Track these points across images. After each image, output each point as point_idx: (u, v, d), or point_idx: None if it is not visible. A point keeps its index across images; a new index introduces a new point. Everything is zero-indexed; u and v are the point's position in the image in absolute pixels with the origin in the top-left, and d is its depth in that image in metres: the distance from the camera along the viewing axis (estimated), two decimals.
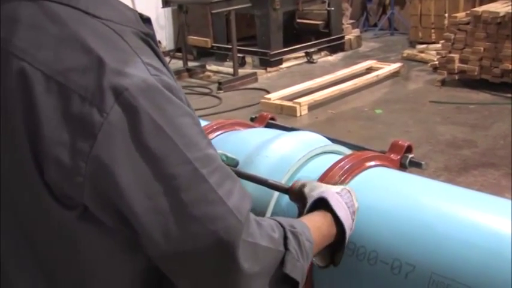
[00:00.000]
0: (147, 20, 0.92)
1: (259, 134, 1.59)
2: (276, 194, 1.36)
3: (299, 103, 5.76)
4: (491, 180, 4.19)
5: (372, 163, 1.38)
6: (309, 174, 1.38)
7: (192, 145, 0.81)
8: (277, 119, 1.86)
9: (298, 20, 8.30)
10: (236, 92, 6.70)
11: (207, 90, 6.79)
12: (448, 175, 4.25)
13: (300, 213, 1.29)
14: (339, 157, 1.43)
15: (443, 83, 6.46)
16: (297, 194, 1.25)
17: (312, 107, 5.90)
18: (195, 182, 0.80)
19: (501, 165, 4.44)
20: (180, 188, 0.80)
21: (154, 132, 0.79)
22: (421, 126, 5.28)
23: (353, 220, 1.15)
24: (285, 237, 0.93)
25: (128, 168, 0.79)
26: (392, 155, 1.45)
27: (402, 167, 1.46)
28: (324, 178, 1.32)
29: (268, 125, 1.77)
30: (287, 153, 1.43)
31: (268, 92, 6.39)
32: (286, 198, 1.33)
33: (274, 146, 1.45)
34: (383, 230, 1.21)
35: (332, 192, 1.14)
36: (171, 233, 0.80)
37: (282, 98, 6.02)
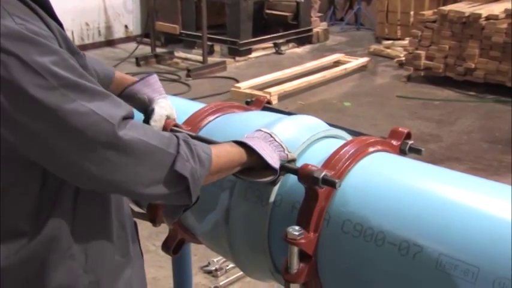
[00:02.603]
0: None
1: (260, 117, 1.59)
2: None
3: (269, 93, 5.79)
4: None
5: (376, 148, 1.41)
6: (313, 158, 1.40)
7: (57, 75, 0.97)
8: (272, 103, 1.87)
9: (267, 11, 8.31)
10: (205, 80, 6.67)
11: (175, 77, 6.74)
12: None
13: (308, 194, 1.31)
14: (341, 141, 1.45)
15: (409, 78, 6.61)
16: (306, 175, 1.27)
17: (282, 97, 5.94)
18: (65, 102, 0.97)
19: (465, 159, 4.59)
20: (52, 108, 0.96)
21: (22, 68, 0.94)
22: (388, 119, 5.39)
23: (279, 149, 1.33)
24: (178, 144, 1.11)
25: (6, 104, 0.94)
26: (393, 141, 1.49)
27: (402, 152, 1.49)
28: (330, 162, 1.34)
29: (265, 109, 1.78)
30: (291, 137, 1.44)
31: (237, 81, 6.40)
32: (291, 179, 1.34)
33: (277, 129, 1.45)
34: (390, 212, 1.23)
35: (247, 137, 1.33)
36: (59, 149, 0.99)
37: (251, 88, 6.04)
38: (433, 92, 6.23)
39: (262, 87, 6.09)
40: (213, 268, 3.03)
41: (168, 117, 1.53)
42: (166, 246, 1.69)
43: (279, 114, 1.65)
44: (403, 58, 6.84)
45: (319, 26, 8.68)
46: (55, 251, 1.09)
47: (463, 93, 6.16)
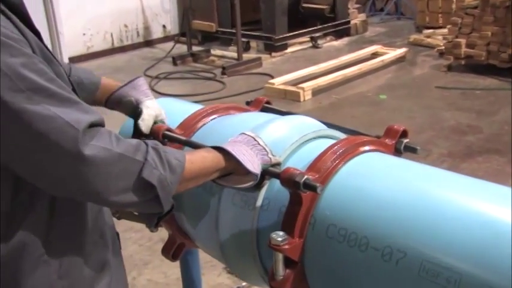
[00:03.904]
0: None
1: (253, 118, 1.56)
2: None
3: (303, 88, 5.72)
4: (496, 167, 4.15)
5: (366, 148, 1.36)
6: (302, 160, 1.36)
7: (24, 78, 0.97)
8: (272, 102, 1.83)
9: (304, 5, 8.20)
10: (240, 77, 6.66)
11: (211, 75, 6.75)
12: (451, 161, 4.21)
13: (292, 199, 1.27)
14: (333, 142, 1.40)
15: (450, 68, 6.40)
16: (288, 179, 1.23)
17: (316, 92, 5.86)
18: (29, 104, 0.97)
19: (506, 151, 4.39)
20: (16, 110, 0.96)
21: None
22: (425, 112, 5.23)
23: (263, 153, 1.29)
24: (146, 151, 1.09)
25: None
26: (387, 140, 1.42)
27: (397, 152, 1.43)
28: (317, 163, 1.29)
29: (264, 109, 1.74)
30: (280, 138, 1.40)
31: (272, 77, 6.35)
32: (278, 183, 1.30)
33: (267, 130, 1.42)
34: (374, 216, 1.18)
35: (229, 142, 1.30)
36: (25, 153, 0.99)
37: (286, 83, 5.98)
38: (474, 81, 6.01)
39: (297, 82, 6.02)
40: None
41: (156, 117, 1.52)
42: (166, 251, 1.68)
43: (274, 115, 1.61)
44: (443, 47, 6.62)
45: (357, 18, 8.51)
46: (27, 257, 1.10)
47: (507, 81, 5.91)
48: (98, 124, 1.06)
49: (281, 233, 1.24)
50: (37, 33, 1.12)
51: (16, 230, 1.09)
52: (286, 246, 1.23)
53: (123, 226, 2.79)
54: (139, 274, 3.09)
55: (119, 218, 1.64)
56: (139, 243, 3.35)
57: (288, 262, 1.26)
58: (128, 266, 3.34)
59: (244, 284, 2.92)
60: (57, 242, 1.13)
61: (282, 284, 1.26)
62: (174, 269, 3.09)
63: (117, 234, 1.33)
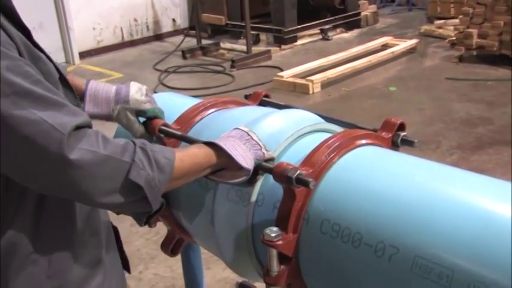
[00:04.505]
0: None
1: (250, 112, 1.54)
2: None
3: (312, 81, 5.69)
4: (506, 159, 4.09)
5: (362, 142, 1.34)
6: (298, 154, 1.34)
7: (9, 82, 0.97)
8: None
9: None
10: (249, 70, 6.64)
11: (220, 68, 6.74)
12: (461, 153, 4.16)
13: (285, 194, 1.26)
14: (329, 135, 1.38)
15: (461, 59, 6.32)
16: (281, 174, 1.22)
17: (325, 84, 5.82)
18: (15, 109, 0.97)
19: None
20: (2, 115, 0.96)
21: None
22: (435, 103, 5.18)
23: (256, 148, 1.28)
24: (134, 152, 1.08)
25: None
26: (383, 133, 1.40)
27: (394, 145, 1.41)
28: (311, 157, 1.28)
29: (262, 103, 1.73)
30: (275, 132, 1.39)
31: (281, 70, 6.32)
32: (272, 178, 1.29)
33: (263, 124, 1.41)
34: (368, 211, 1.16)
35: (222, 137, 1.29)
36: (12, 156, 0.98)
37: (295, 76, 5.95)
38: (486, 72, 5.94)
39: (306, 74, 5.99)
40: None
41: (139, 105, 1.49)
42: (165, 246, 1.68)
43: (271, 109, 1.60)
44: (454, 38, 6.54)
45: (368, 9, 8.45)
46: (16, 256, 1.10)
47: None
48: (84, 126, 1.05)
49: (275, 228, 1.23)
50: (25, 30, 1.11)
51: (5, 228, 1.09)
52: (280, 242, 1.22)
53: (129, 220, 2.79)
54: (145, 268, 3.10)
55: (117, 213, 1.64)
56: (146, 237, 3.36)
57: (283, 258, 1.24)
58: (134, 260, 3.35)
59: None
60: (45, 241, 1.13)
61: (276, 280, 1.25)
62: (180, 263, 3.09)
63: (116, 229, 1.32)
